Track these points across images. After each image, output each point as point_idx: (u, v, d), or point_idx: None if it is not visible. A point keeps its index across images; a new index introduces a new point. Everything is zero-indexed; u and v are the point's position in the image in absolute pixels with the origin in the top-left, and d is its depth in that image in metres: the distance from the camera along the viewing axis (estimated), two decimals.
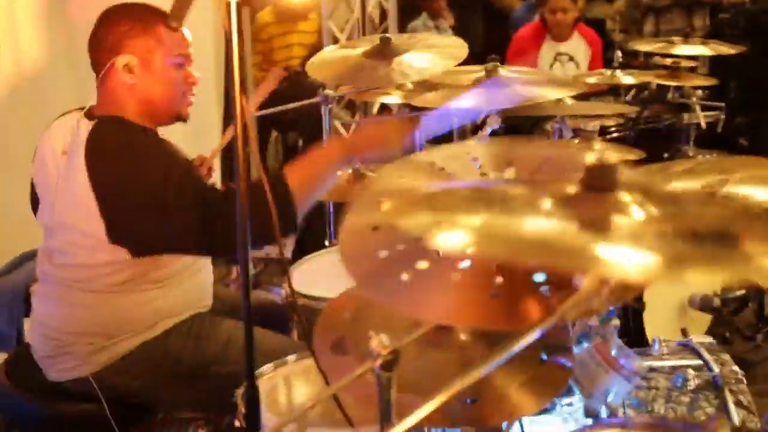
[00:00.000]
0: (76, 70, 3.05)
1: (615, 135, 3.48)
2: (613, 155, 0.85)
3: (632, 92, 3.88)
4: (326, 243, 2.70)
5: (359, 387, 1.18)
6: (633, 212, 0.82)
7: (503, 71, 2.20)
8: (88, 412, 1.96)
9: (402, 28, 5.72)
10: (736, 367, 1.92)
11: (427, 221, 0.88)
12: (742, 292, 3.22)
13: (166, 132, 2.04)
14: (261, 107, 2.52)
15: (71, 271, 1.91)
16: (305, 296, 1.91)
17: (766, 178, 1.16)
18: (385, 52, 2.18)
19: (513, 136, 3.58)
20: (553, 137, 2.65)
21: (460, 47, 2.21)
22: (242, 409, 1.52)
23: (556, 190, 0.86)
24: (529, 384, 1.21)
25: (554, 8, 4.54)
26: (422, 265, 0.99)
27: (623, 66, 3.42)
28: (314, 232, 1.98)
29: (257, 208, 1.43)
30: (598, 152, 0.84)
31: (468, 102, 2.04)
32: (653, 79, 3.30)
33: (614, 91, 3.99)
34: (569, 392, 1.78)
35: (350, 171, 2.47)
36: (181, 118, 2.02)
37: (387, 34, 2.25)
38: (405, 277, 0.98)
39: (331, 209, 2.63)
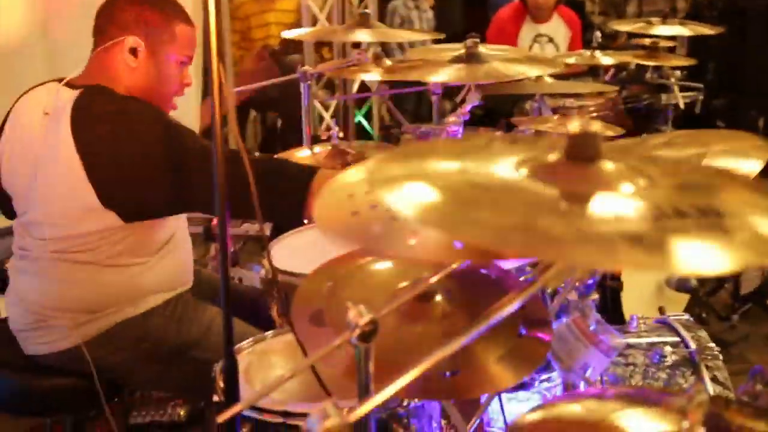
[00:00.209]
0: (50, 41, 2.99)
1: (594, 114, 3.49)
2: (596, 125, 0.84)
3: (611, 72, 3.89)
4: (305, 221, 2.68)
5: (339, 359, 1.18)
6: (619, 186, 0.81)
7: (483, 49, 2.19)
8: (63, 386, 1.95)
9: (382, 7, 5.68)
10: (712, 344, 1.95)
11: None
12: None
13: None
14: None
15: (56, 243, 1.88)
16: (284, 272, 1.89)
17: (743, 150, 1.17)
18: None
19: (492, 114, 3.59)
20: (532, 115, 2.66)
21: None
22: (220, 383, 1.51)
23: (537, 159, 0.86)
24: (508, 357, 1.21)
25: None
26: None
27: (602, 47, 3.41)
28: None
29: (236, 179, 1.41)
30: (581, 121, 0.83)
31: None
32: (632, 59, 3.31)
33: (593, 71, 4.00)
34: (547, 368, 1.80)
35: (330, 147, 2.46)
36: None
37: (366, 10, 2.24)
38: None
39: None
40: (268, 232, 2.49)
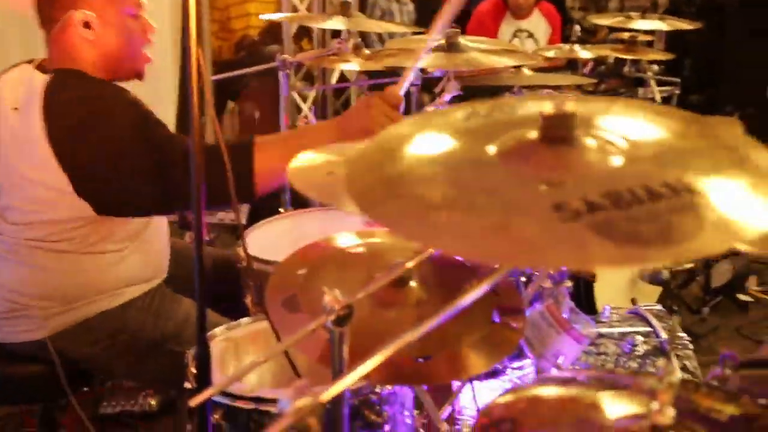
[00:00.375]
0: (25, 25, 2.96)
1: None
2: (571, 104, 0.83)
3: (590, 66, 3.90)
4: (280, 210, 2.68)
5: (313, 345, 1.18)
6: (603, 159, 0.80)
7: (463, 39, 2.20)
8: (31, 374, 1.94)
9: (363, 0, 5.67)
10: (683, 333, 1.97)
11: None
12: (691, 265, 3.29)
13: None
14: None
15: (32, 230, 1.86)
16: (259, 260, 1.89)
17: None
18: None
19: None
20: None
21: None
22: (193, 369, 1.50)
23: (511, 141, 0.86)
24: (481, 343, 1.21)
25: None
26: None
27: (581, 41, 3.42)
28: (268, 198, 1.95)
29: (212, 168, 1.41)
30: (556, 101, 0.83)
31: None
32: (610, 53, 3.32)
33: (572, 65, 4.01)
34: (520, 356, 1.81)
35: None
36: (139, 74, 2.00)
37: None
38: None
39: None
40: (244, 221, 2.48)
